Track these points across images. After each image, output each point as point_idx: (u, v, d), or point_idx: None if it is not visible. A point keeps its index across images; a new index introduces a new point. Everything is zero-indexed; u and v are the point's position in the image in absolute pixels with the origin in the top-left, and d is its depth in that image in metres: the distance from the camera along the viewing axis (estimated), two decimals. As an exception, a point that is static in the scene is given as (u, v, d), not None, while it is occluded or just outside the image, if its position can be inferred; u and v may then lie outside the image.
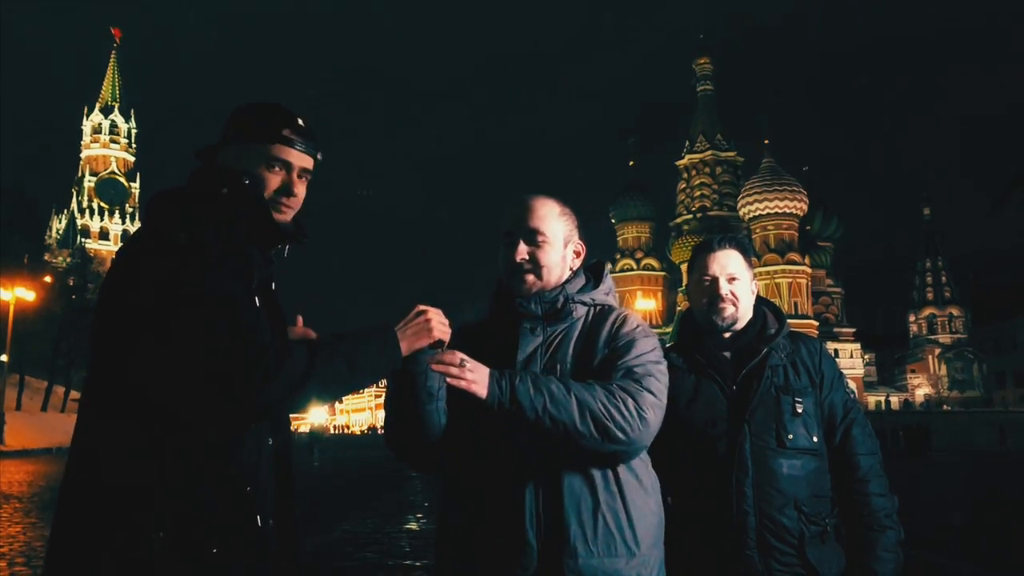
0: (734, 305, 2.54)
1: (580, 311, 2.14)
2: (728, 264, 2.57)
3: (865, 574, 2.38)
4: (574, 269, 2.21)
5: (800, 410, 2.42)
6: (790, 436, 2.39)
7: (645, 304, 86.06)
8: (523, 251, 2.13)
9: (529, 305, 2.10)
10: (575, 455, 1.95)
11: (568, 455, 1.95)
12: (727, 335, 2.58)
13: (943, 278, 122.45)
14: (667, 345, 2.75)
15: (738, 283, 2.56)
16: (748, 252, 2.66)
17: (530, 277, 2.13)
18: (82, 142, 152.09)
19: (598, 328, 2.12)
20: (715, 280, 2.56)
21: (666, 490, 2.28)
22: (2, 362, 46.88)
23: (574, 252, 2.21)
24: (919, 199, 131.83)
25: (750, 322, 2.59)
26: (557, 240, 2.15)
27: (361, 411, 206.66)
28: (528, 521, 1.93)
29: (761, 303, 2.66)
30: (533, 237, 2.13)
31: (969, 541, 11.14)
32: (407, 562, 8.76)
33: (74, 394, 74.87)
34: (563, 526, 1.92)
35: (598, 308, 2.18)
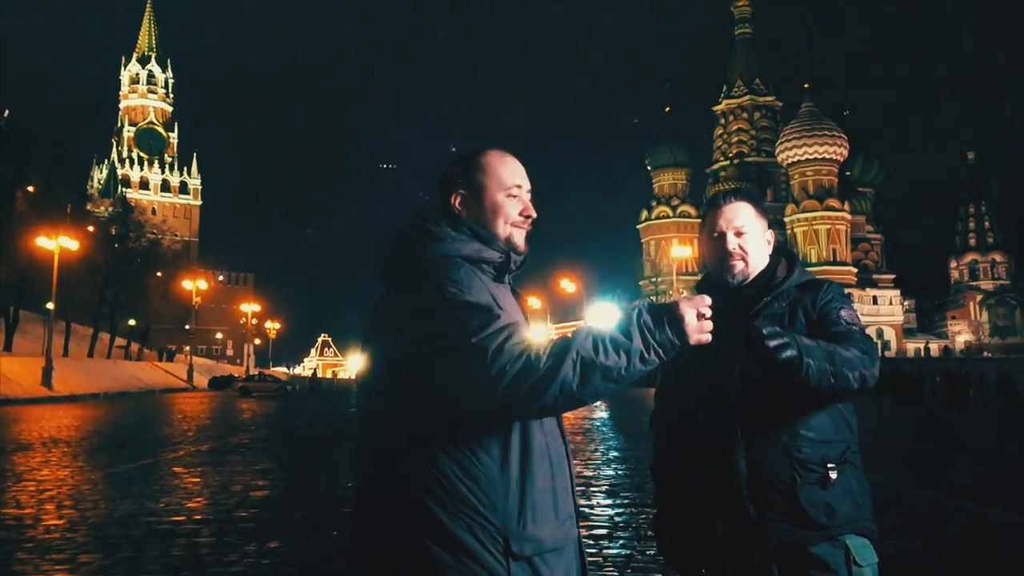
0: (743, 260, 2.47)
1: None
2: (735, 218, 2.48)
3: (791, 343, 2.08)
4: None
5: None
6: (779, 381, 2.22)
7: (681, 251, 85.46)
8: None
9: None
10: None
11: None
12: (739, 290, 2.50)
13: (986, 223, 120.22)
14: None
15: (747, 236, 2.48)
16: (758, 202, 2.56)
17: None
18: (120, 92, 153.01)
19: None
20: (722, 235, 2.49)
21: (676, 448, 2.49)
22: (49, 310, 47.82)
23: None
24: (963, 142, 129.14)
25: (760, 273, 2.50)
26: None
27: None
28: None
29: (780, 253, 2.57)
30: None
31: (1001, 488, 11.15)
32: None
33: (119, 340, 76.41)
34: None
35: None
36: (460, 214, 2.01)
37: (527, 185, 2.06)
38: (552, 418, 1.92)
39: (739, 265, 2.47)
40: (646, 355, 1.70)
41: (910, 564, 6.38)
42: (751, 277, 2.49)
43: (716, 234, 2.50)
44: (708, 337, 1.77)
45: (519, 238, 2.03)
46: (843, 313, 2.36)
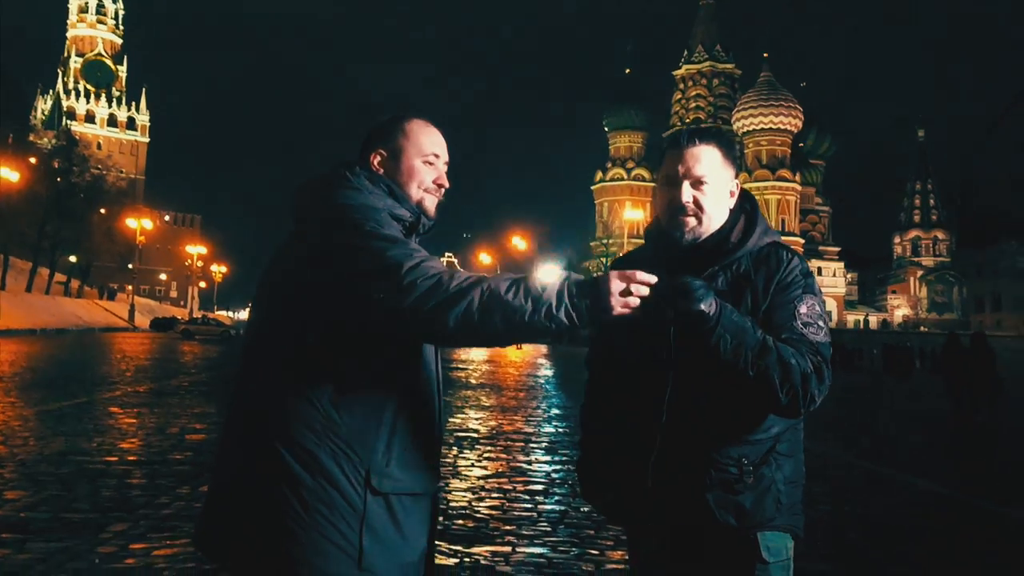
0: (696, 217, 2.11)
1: None
2: (695, 165, 2.10)
3: (709, 297, 1.93)
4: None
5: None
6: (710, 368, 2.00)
7: (633, 214, 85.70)
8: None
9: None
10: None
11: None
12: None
13: (931, 201, 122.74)
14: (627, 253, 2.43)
15: (707, 188, 2.10)
16: (727, 148, 2.17)
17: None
18: (68, 21, 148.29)
19: None
20: (677, 183, 2.12)
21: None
22: (-15, 241, 46.74)
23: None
24: (915, 120, 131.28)
25: (712, 235, 2.14)
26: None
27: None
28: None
29: (741, 207, 2.20)
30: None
31: (928, 459, 11.46)
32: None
33: (59, 276, 74.91)
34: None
35: None
36: (377, 172, 2.07)
37: (445, 156, 2.15)
38: (435, 377, 2.04)
39: (691, 222, 2.12)
40: (554, 311, 1.71)
41: (836, 530, 6.53)
42: (703, 237, 2.14)
43: (670, 180, 2.15)
44: (627, 311, 1.76)
45: (430, 204, 2.11)
46: (802, 309, 2.04)
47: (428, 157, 2.10)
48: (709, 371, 1.99)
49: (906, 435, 14.91)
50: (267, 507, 1.80)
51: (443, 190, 2.13)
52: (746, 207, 2.21)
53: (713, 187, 2.12)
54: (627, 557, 2.42)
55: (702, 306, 1.90)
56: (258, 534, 1.82)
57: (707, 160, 2.11)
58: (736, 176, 2.24)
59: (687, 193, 2.10)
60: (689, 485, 2.04)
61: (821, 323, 2.05)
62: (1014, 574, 5.68)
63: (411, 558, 1.91)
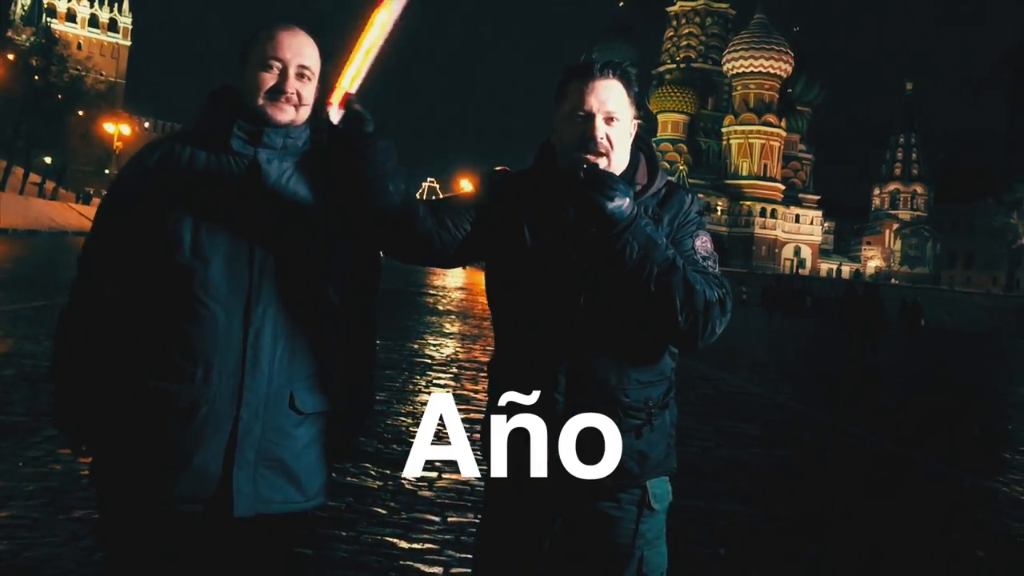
0: (606, 155, 2.00)
1: None
2: (608, 99, 2.01)
3: (628, 205, 1.90)
4: None
5: None
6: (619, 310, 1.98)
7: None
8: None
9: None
10: None
11: None
12: None
13: (913, 155, 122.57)
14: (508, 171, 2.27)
15: (617, 124, 2.02)
16: (633, 85, 2.08)
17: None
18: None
19: None
20: (589, 118, 2.00)
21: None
22: (-43, 138, 45.92)
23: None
24: (903, 73, 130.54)
25: (621, 174, 2.03)
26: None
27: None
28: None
29: (639, 147, 2.14)
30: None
31: (888, 418, 11.70)
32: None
33: (33, 177, 73.86)
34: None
35: None
36: (233, 88, 2.09)
37: (298, 60, 2.03)
38: (224, 288, 1.96)
39: (602, 162, 2.00)
40: None
41: (767, 473, 6.71)
42: None
43: (581, 113, 2.02)
44: None
45: (275, 112, 2.02)
46: (697, 243, 2.06)
47: (266, 62, 2.02)
48: (618, 290, 1.93)
49: (850, 381, 15.18)
50: None
51: (288, 95, 2.02)
52: (642, 147, 2.15)
53: (622, 125, 2.04)
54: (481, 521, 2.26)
55: (616, 201, 1.86)
56: None
57: (618, 94, 2.03)
58: (636, 115, 2.13)
59: (601, 129, 1.99)
60: (599, 432, 1.95)
61: (715, 258, 2.07)
62: (932, 520, 5.86)
63: (160, 472, 1.90)
